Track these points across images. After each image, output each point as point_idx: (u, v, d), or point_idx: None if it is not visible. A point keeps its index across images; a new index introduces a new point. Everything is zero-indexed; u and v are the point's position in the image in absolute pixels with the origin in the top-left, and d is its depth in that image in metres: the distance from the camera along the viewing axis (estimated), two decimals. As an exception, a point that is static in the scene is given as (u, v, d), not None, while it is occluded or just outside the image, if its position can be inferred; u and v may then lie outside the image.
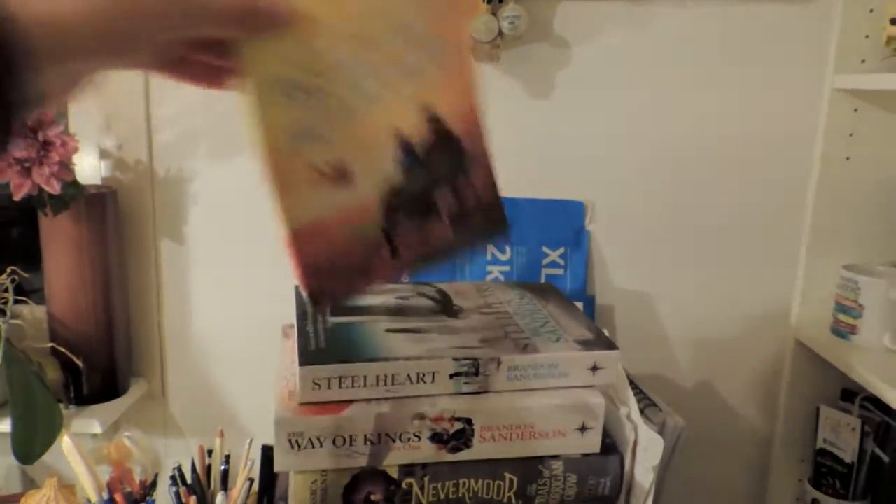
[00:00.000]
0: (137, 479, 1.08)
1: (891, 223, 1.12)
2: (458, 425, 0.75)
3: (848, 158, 1.10)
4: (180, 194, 1.18)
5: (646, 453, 0.82)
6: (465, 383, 0.76)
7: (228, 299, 1.21)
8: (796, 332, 1.16)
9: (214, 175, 1.17)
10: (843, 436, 1.11)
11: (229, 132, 1.15)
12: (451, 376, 0.75)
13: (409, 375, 0.75)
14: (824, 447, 1.14)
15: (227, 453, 1.08)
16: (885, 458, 1.10)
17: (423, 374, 0.75)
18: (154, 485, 1.09)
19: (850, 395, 1.15)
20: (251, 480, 1.07)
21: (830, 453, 1.13)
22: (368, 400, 0.75)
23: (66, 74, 0.40)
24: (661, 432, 1.04)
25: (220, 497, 1.06)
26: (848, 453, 1.11)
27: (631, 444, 0.82)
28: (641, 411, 1.06)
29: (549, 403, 0.76)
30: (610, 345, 0.80)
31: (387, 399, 0.75)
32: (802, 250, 1.15)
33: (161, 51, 0.45)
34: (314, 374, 0.73)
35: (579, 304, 1.13)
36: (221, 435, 1.08)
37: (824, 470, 1.14)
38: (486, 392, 0.77)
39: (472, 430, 0.75)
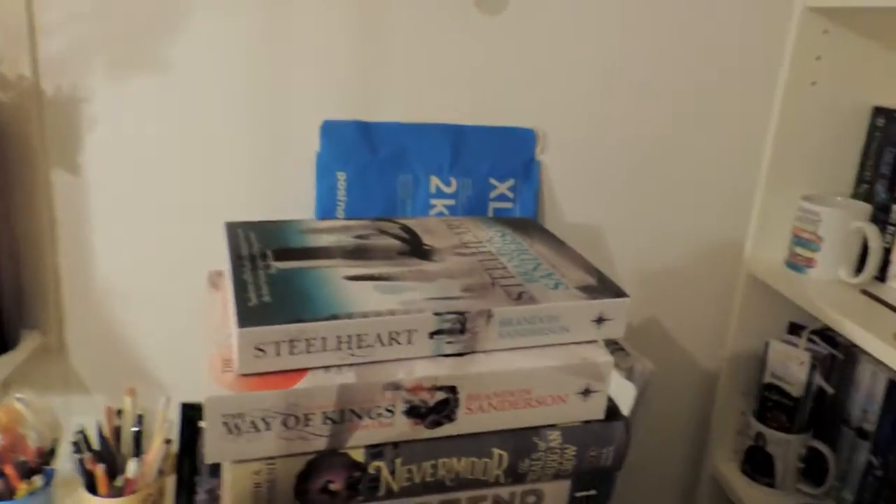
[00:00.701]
0: (33, 446, 0.85)
1: (850, 153, 0.96)
2: (440, 395, 0.53)
3: (814, 83, 0.93)
4: (74, 116, 0.89)
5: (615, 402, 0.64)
6: (448, 343, 0.54)
7: (136, 237, 0.93)
8: (749, 266, 1.00)
9: (113, 94, 0.89)
10: (792, 370, 0.97)
11: (129, 44, 0.87)
12: (432, 335, 0.53)
13: (379, 335, 0.52)
14: (772, 381, 0.99)
15: (139, 413, 0.86)
16: (830, 391, 0.97)
17: (398, 334, 0.52)
18: (53, 452, 0.87)
19: (797, 329, 1.01)
20: (168, 442, 0.85)
21: (777, 387, 0.99)
22: (328, 367, 0.52)
23: None
24: (629, 378, 0.87)
25: (132, 463, 0.83)
26: (796, 387, 0.97)
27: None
28: (609, 356, 0.88)
29: (549, 364, 0.55)
30: (618, 291, 0.59)
31: (351, 366, 0.53)
32: (761, 181, 0.98)
33: None
34: (257, 337, 0.50)
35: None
36: (132, 393, 0.86)
37: (770, 404, 1.00)
38: (472, 353, 0.55)
39: (457, 401, 0.54)
